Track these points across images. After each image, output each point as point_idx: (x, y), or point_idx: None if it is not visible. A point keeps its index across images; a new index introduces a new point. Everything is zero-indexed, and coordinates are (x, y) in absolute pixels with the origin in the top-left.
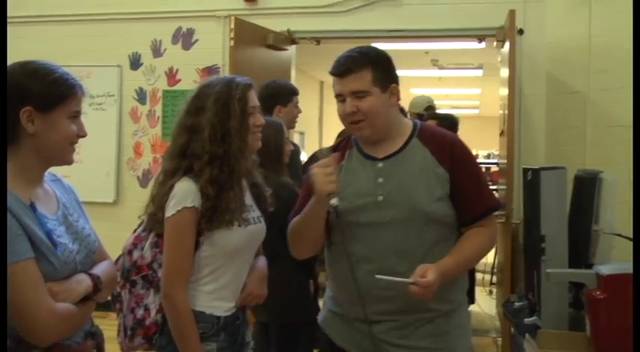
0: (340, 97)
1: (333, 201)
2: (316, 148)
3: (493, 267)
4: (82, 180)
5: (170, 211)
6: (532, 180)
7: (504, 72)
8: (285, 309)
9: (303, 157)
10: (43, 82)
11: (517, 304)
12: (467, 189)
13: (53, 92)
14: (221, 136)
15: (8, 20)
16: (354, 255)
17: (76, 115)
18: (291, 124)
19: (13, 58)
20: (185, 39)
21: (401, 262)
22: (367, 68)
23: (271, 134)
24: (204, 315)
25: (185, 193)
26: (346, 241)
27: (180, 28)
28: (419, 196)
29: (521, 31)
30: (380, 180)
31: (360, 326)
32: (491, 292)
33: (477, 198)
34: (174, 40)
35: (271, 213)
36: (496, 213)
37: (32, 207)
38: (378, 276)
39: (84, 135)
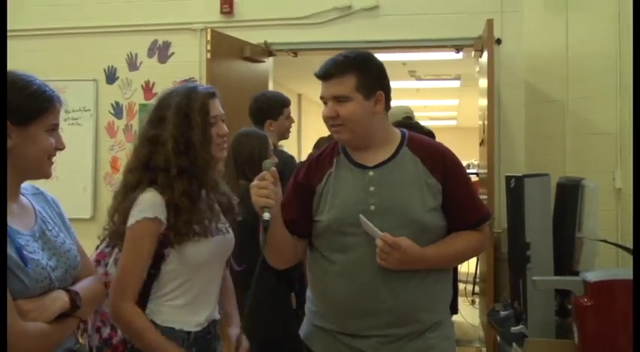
0: (323, 99)
1: (265, 215)
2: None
3: (475, 277)
4: (59, 196)
5: (130, 221)
6: (515, 188)
7: (483, 82)
8: (265, 326)
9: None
10: (21, 95)
11: (502, 313)
12: (459, 200)
13: (31, 105)
14: (185, 148)
15: None
16: (342, 266)
17: (54, 128)
18: (284, 135)
19: None
20: (161, 52)
21: (391, 273)
22: (351, 73)
23: (255, 145)
24: (174, 331)
25: (148, 204)
26: (333, 251)
27: (156, 41)
28: (413, 206)
29: (498, 41)
30: (371, 188)
31: (347, 340)
32: (473, 302)
33: (469, 209)
34: (150, 53)
35: (251, 229)
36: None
37: None
38: (361, 216)
39: (62, 148)
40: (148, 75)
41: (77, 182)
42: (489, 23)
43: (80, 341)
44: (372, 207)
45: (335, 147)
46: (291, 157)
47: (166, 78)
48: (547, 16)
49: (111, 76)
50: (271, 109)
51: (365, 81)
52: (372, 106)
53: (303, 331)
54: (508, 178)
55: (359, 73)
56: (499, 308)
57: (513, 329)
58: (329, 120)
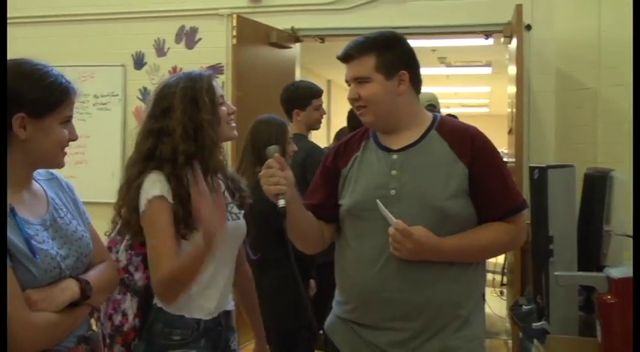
0: (347, 82)
1: (280, 202)
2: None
3: (504, 268)
4: (87, 181)
5: (142, 207)
6: (539, 179)
7: (512, 69)
8: (280, 314)
9: None
10: (37, 87)
11: (525, 307)
12: (488, 186)
13: (47, 98)
14: (193, 132)
15: (10, 21)
16: (361, 252)
17: (68, 120)
18: (313, 126)
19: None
20: (188, 38)
21: (409, 262)
22: (370, 54)
23: (273, 132)
24: (184, 319)
25: (153, 184)
26: (354, 237)
27: (183, 27)
28: (433, 191)
29: (529, 27)
30: (394, 172)
31: (364, 334)
32: (502, 293)
33: (499, 196)
34: (178, 39)
35: (266, 217)
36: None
37: (12, 212)
38: (378, 201)
39: (75, 139)
40: (176, 60)
41: (106, 167)
42: (518, 8)
43: (94, 327)
44: (393, 192)
45: (366, 131)
46: (315, 147)
47: (193, 63)
48: (579, 1)
49: (139, 62)
50: (299, 99)
51: (385, 61)
52: (395, 87)
53: (327, 322)
54: (532, 169)
55: (379, 52)
56: (522, 302)
57: (535, 324)
58: (352, 102)
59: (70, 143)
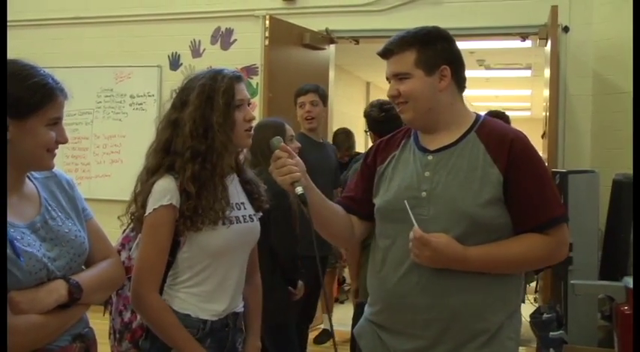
0: (388, 80)
1: (298, 190)
2: (362, 149)
3: (537, 274)
4: (122, 179)
5: (148, 209)
6: (560, 185)
7: (548, 71)
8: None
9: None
10: (20, 87)
11: (546, 316)
12: (524, 194)
13: (30, 98)
14: (203, 131)
15: (49, 22)
16: (388, 254)
17: (55, 122)
18: (303, 124)
19: (54, 59)
20: (224, 39)
21: (437, 268)
22: (411, 49)
23: (270, 135)
24: (190, 319)
25: (163, 191)
26: (383, 238)
27: (219, 28)
28: (464, 196)
29: (566, 29)
30: (427, 173)
31: (389, 340)
32: (535, 300)
33: (535, 206)
34: (213, 40)
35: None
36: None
37: None
38: (405, 202)
39: (64, 142)
40: (211, 61)
41: (140, 166)
42: (553, 10)
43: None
44: (424, 194)
45: (408, 130)
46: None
47: (228, 64)
48: (618, 3)
49: (174, 63)
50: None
51: (426, 56)
52: (436, 82)
53: (357, 325)
54: (553, 174)
55: (419, 47)
56: (544, 310)
57: (552, 333)
58: (392, 99)
59: (105, 142)
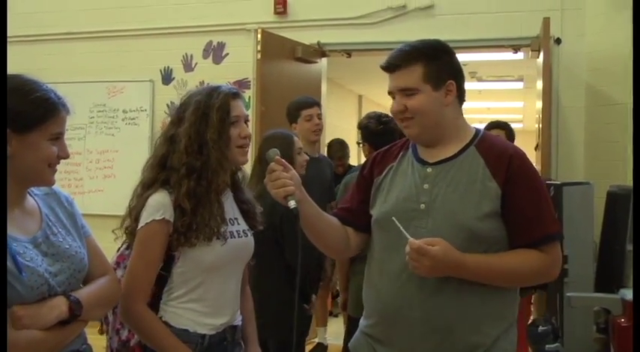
0: (390, 94)
1: (291, 203)
2: (353, 163)
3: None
4: (115, 195)
5: (140, 223)
6: (554, 196)
7: (540, 83)
8: (273, 326)
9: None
10: (22, 102)
11: (541, 328)
12: (520, 210)
13: (32, 113)
14: (198, 147)
15: (41, 38)
16: (385, 266)
17: (57, 137)
18: (309, 137)
19: (47, 74)
20: (216, 53)
21: (434, 280)
22: (418, 63)
23: (277, 145)
24: (189, 334)
25: (156, 205)
26: (380, 249)
27: (210, 42)
28: (463, 209)
29: (558, 41)
30: (426, 186)
31: None
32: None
33: (531, 222)
34: (205, 54)
35: (265, 225)
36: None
37: None
38: (393, 218)
39: (65, 157)
40: (203, 76)
41: (133, 180)
42: (545, 21)
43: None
44: (422, 206)
45: (406, 142)
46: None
47: (221, 78)
48: (610, 15)
49: (167, 77)
50: (290, 114)
51: (433, 70)
52: (442, 97)
53: (352, 338)
54: (547, 186)
55: (426, 62)
56: (539, 322)
57: (548, 346)
58: (397, 114)
59: (98, 158)
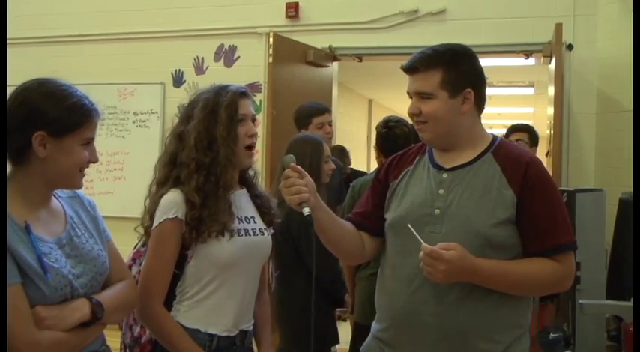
0: (409, 94)
1: (305, 211)
2: (361, 167)
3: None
4: (125, 197)
5: (154, 222)
6: (567, 203)
7: (552, 89)
8: (299, 337)
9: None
10: (59, 107)
11: (552, 335)
12: (534, 218)
13: (68, 119)
14: (207, 144)
15: (52, 40)
16: (399, 270)
17: (89, 141)
18: None
19: (59, 76)
20: (227, 56)
21: (447, 286)
22: (437, 69)
23: (307, 150)
24: (199, 333)
25: (168, 204)
26: (394, 254)
27: (222, 46)
28: (478, 216)
29: (570, 47)
30: (441, 191)
31: None
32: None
33: (544, 230)
34: (217, 57)
35: (286, 234)
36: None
37: (27, 229)
38: (408, 225)
39: (95, 161)
40: (214, 78)
41: (143, 183)
42: (558, 28)
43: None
44: (437, 211)
45: (422, 146)
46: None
47: (232, 82)
48: (622, 21)
49: (178, 80)
50: (301, 118)
51: (452, 77)
52: (458, 105)
53: (364, 343)
54: (560, 193)
55: (446, 68)
56: (550, 329)
57: None
58: (413, 117)
59: (109, 159)
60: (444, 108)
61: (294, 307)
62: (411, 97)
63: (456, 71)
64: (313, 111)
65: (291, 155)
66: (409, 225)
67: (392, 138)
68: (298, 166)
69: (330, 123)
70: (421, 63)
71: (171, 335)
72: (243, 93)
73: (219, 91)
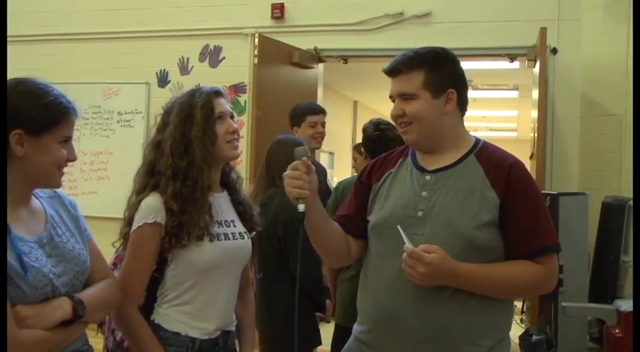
0: (391, 98)
1: (300, 207)
2: (347, 169)
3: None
4: (109, 196)
5: (133, 226)
6: (550, 206)
7: (536, 93)
8: (282, 338)
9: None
10: (36, 106)
11: (535, 337)
12: (517, 220)
13: (45, 117)
14: (184, 148)
15: (37, 38)
16: (381, 272)
17: (67, 140)
18: (310, 144)
19: (43, 74)
20: (212, 57)
21: (430, 289)
22: (419, 70)
23: (289, 152)
24: (179, 337)
25: (148, 208)
26: (377, 256)
27: (207, 46)
28: (461, 218)
29: (554, 51)
30: (424, 193)
31: None
32: (522, 320)
33: (527, 233)
34: (202, 57)
35: (269, 235)
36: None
37: (7, 229)
38: (398, 226)
39: (73, 160)
40: (199, 79)
41: (127, 183)
42: (542, 31)
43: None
44: (420, 213)
45: (405, 149)
46: (319, 165)
47: (216, 82)
48: (607, 26)
49: (163, 80)
50: (294, 117)
51: (434, 78)
52: (441, 105)
53: (345, 346)
54: (544, 196)
55: (428, 69)
56: (533, 331)
57: None
58: (396, 119)
59: (93, 159)
60: (427, 108)
61: (278, 309)
62: (393, 101)
63: (438, 72)
64: (308, 110)
65: (305, 148)
66: (399, 227)
67: (384, 141)
68: (309, 162)
69: (323, 125)
70: (403, 64)
71: (142, 340)
72: (217, 93)
73: (193, 93)
